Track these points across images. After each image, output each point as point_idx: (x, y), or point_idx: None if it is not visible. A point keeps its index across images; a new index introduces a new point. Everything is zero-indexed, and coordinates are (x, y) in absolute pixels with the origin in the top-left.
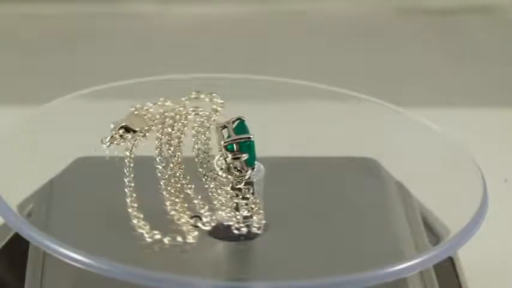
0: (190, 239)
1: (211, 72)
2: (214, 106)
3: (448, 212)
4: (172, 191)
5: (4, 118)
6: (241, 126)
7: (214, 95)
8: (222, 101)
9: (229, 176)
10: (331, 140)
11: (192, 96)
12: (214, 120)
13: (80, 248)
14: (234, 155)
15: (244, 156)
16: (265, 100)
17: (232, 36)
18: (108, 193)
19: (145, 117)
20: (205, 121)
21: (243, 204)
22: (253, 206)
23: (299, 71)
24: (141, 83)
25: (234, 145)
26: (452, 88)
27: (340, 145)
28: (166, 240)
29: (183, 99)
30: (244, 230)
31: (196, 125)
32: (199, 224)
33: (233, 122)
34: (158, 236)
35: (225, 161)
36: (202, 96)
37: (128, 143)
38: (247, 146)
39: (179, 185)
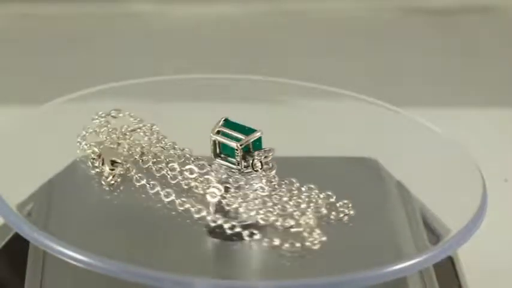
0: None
1: (211, 72)
2: (132, 120)
3: (448, 211)
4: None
5: (4, 118)
6: (236, 125)
7: (128, 113)
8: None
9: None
10: (331, 140)
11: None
12: (161, 137)
13: (79, 247)
14: (263, 154)
15: (272, 153)
16: (265, 100)
17: (232, 36)
18: (108, 193)
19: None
20: (156, 135)
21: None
22: (321, 196)
23: (299, 71)
24: (141, 83)
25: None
26: (452, 88)
27: (340, 145)
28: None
29: (97, 121)
30: (343, 219)
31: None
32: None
33: (221, 124)
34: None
35: (260, 162)
36: (113, 114)
37: (133, 174)
38: (258, 142)
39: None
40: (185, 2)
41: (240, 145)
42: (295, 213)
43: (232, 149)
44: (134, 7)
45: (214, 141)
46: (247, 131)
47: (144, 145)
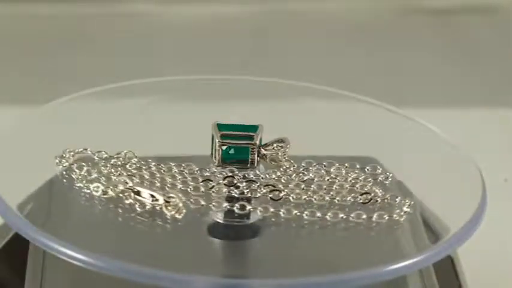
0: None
1: (211, 72)
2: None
3: (447, 211)
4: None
5: (4, 118)
6: (231, 126)
7: (82, 149)
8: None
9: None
10: (332, 139)
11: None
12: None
13: (79, 247)
14: (285, 146)
15: (288, 143)
16: (265, 100)
17: (232, 36)
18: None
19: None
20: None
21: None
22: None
23: (299, 71)
24: (141, 84)
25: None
26: (452, 88)
27: (340, 145)
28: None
29: (62, 166)
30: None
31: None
32: None
33: (218, 129)
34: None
35: (280, 153)
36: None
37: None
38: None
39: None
40: (185, 2)
41: (255, 143)
42: (356, 188)
43: (242, 149)
44: (134, 7)
45: (224, 147)
46: (247, 128)
47: (145, 174)
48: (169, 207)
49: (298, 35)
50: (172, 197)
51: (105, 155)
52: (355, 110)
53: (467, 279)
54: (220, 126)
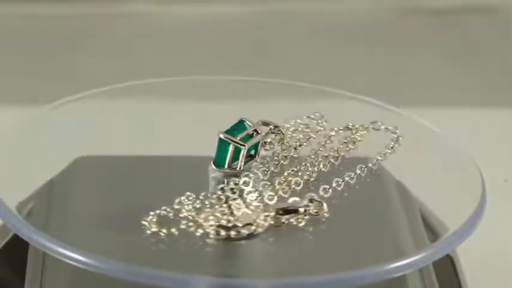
0: None
1: (211, 72)
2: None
3: (447, 211)
4: None
5: (4, 118)
6: (232, 129)
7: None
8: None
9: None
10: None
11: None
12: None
13: (79, 248)
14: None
15: (278, 126)
16: (265, 100)
17: (232, 36)
18: (108, 193)
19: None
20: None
21: None
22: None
23: (299, 71)
24: (141, 84)
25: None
26: (452, 88)
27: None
28: None
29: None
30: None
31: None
32: None
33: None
34: None
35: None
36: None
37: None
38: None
39: None
40: (185, 2)
41: (264, 136)
42: None
43: (252, 146)
44: (134, 7)
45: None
46: (239, 126)
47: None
48: (315, 211)
49: (298, 35)
50: (317, 200)
51: (169, 208)
52: (355, 110)
53: (466, 278)
54: (228, 131)
